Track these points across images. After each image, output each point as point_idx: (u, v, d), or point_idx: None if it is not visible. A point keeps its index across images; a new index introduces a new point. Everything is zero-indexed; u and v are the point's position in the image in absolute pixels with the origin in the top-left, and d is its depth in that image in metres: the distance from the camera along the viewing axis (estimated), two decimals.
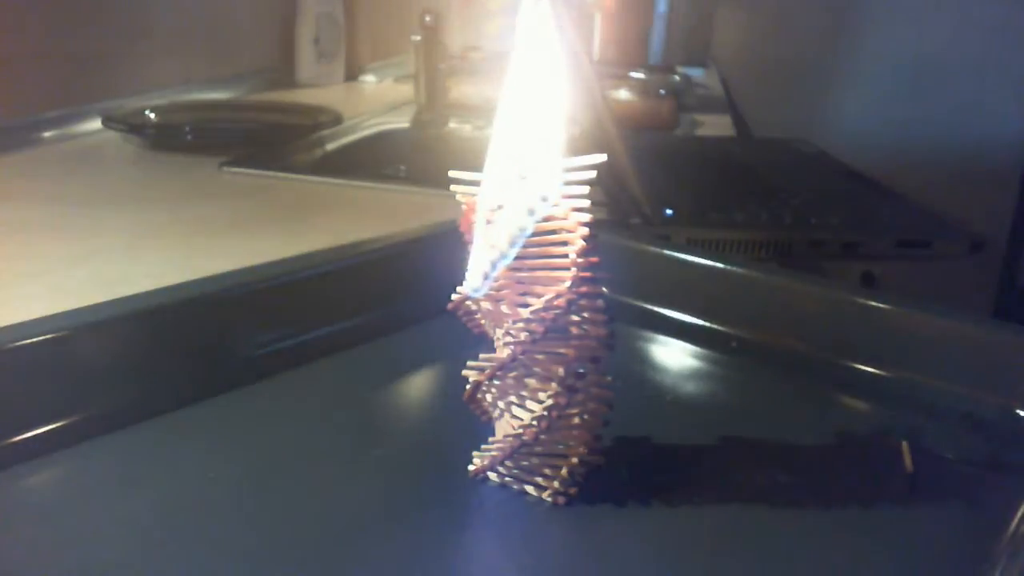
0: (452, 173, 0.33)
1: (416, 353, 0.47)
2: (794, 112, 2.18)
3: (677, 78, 1.45)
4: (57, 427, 0.35)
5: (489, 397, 0.34)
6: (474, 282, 0.31)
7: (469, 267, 0.31)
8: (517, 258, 0.31)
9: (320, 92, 1.38)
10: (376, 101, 1.34)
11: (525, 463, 0.33)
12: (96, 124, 0.97)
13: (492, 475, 0.34)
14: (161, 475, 0.34)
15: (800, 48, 2.24)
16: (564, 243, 0.31)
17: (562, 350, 0.31)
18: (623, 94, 1.33)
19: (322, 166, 1.01)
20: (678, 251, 0.53)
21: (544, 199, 0.30)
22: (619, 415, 0.33)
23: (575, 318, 0.31)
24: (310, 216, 0.74)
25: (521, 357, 0.32)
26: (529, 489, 0.33)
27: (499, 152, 0.31)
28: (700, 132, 1.25)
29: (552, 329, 0.31)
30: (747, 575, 0.31)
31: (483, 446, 0.34)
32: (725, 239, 0.66)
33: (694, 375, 0.47)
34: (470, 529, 0.33)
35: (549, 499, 0.33)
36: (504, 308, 0.32)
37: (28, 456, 0.34)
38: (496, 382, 0.33)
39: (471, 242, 0.32)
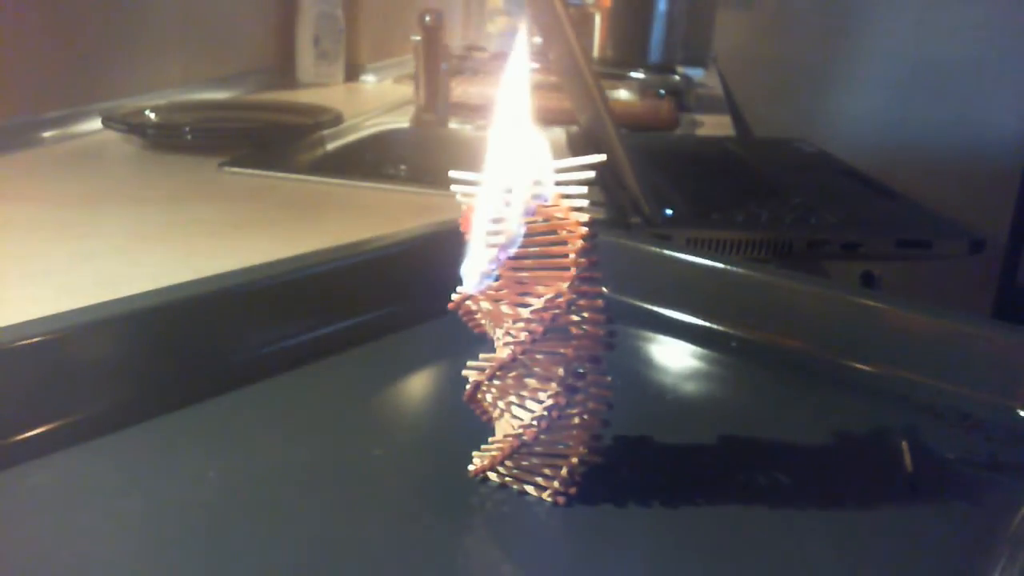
0: (452, 173, 0.33)
1: (416, 353, 0.47)
2: (794, 112, 2.19)
3: (677, 78, 1.45)
4: (57, 427, 0.35)
5: (489, 397, 0.34)
6: (472, 281, 0.31)
7: (468, 266, 0.31)
8: (517, 258, 0.31)
9: (320, 92, 1.38)
10: (376, 101, 1.34)
11: (525, 463, 0.33)
12: (96, 124, 0.97)
13: (492, 475, 0.34)
14: (161, 475, 0.34)
15: (800, 48, 2.24)
16: (564, 243, 0.31)
17: (562, 350, 0.31)
18: (623, 94, 1.33)
19: (322, 166, 1.01)
20: (678, 251, 0.53)
21: (541, 198, 0.30)
22: (619, 415, 0.33)
23: (575, 318, 0.31)
24: (310, 216, 0.74)
25: (521, 357, 0.32)
26: (529, 489, 0.33)
27: (498, 152, 0.31)
28: (700, 132, 1.25)
29: (552, 329, 0.31)
30: (747, 575, 0.31)
31: (483, 446, 0.34)
32: (725, 239, 0.66)
33: (694, 375, 0.47)
34: (470, 529, 0.33)
35: (549, 499, 0.33)
36: (504, 308, 0.32)
37: (28, 456, 0.34)
38: (496, 382, 0.33)
39: (471, 241, 0.32)
